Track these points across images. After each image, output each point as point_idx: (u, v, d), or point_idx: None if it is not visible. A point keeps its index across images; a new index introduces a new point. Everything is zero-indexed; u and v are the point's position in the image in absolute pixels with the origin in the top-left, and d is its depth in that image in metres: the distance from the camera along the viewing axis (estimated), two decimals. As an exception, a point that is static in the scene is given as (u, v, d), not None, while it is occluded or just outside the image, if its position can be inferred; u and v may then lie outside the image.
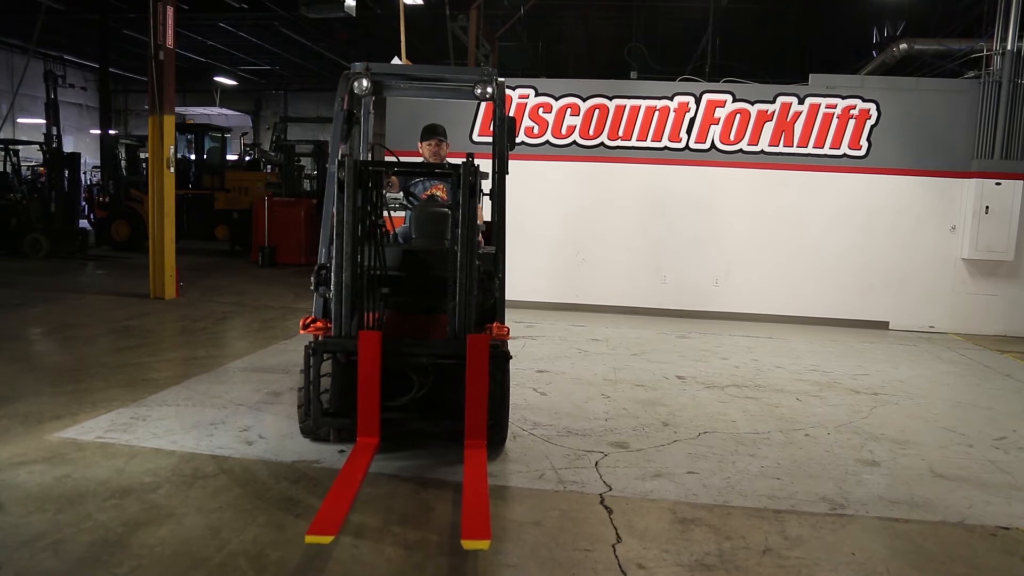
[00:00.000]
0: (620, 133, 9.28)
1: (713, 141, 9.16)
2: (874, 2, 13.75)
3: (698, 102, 9.14)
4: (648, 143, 9.25)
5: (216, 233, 15.87)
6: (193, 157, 16.41)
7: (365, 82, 4.43)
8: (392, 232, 4.78)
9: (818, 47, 17.49)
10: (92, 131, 25.61)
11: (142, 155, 15.52)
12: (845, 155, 9.01)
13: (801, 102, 9.00)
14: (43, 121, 14.66)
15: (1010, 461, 4.52)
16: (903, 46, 11.35)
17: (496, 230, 4.31)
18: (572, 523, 3.41)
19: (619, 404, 5.39)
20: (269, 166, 18.14)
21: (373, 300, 4.04)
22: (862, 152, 8.99)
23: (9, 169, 13.92)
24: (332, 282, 3.96)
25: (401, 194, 4.91)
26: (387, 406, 3.88)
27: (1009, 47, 8.70)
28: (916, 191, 8.98)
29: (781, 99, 9.02)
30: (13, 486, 3.56)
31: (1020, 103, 8.71)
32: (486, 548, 2.90)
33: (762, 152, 9.11)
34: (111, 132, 19.25)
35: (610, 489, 3.81)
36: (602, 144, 9.32)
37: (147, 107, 9.32)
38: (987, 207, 8.71)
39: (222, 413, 4.81)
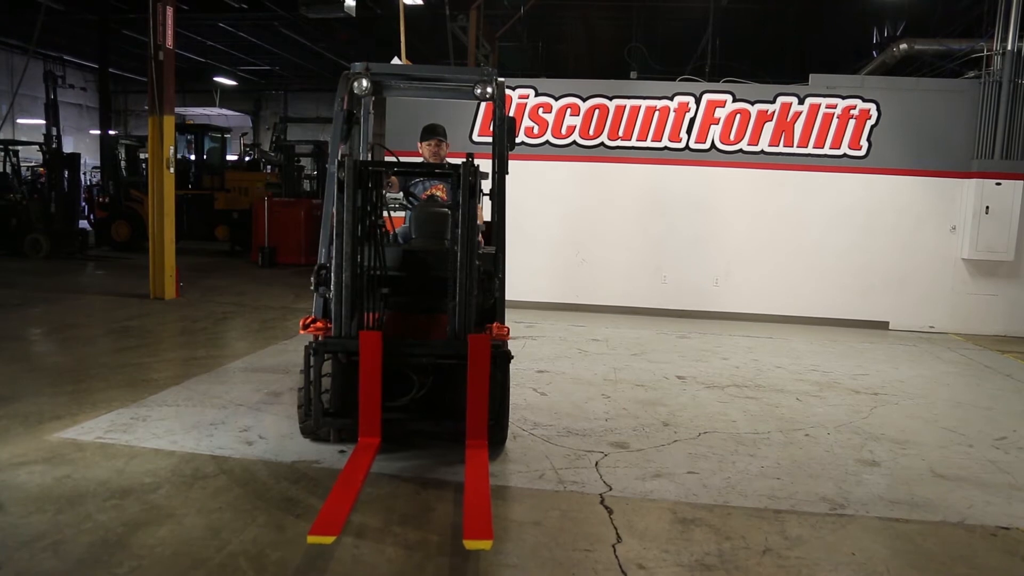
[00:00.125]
0: (620, 133, 9.28)
1: (713, 141, 9.16)
2: (874, 2, 13.74)
3: (698, 102, 9.14)
4: (648, 143, 9.25)
5: (216, 233, 15.87)
6: (193, 157, 16.40)
7: (365, 82, 4.43)
8: (392, 232, 4.77)
9: (818, 47, 17.49)
10: (92, 131, 25.61)
11: (142, 155, 15.50)
12: (845, 155, 9.01)
13: (801, 102, 8.99)
14: (43, 122, 14.65)
15: (1010, 461, 4.52)
16: (903, 46, 11.36)
17: (496, 230, 4.31)
18: (572, 523, 3.41)
19: (619, 404, 5.39)
20: (269, 166, 18.14)
21: (373, 300, 4.04)
22: (862, 152, 8.99)
23: (9, 170, 13.92)
24: (332, 282, 3.95)
25: (401, 194, 4.91)
26: (388, 406, 3.88)
27: (1009, 47, 8.70)
28: (916, 191, 8.98)
29: (781, 99, 9.02)
30: (13, 486, 3.56)
31: (1020, 103, 8.71)
32: (488, 548, 2.90)
33: (762, 152, 9.10)
34: (111, 132, 19.26)
35: (610, 489, 3.81)
36: (602, 144, 9.32)
37: (147, 107, 9.32)
38: (987, 207, 8.71)
39: (222, 413, 4.80)
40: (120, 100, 28.06)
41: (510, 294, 4.57)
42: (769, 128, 9.06)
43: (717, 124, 9.13)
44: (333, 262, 3.96)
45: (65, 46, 21.79)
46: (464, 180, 3.92)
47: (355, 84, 4.43)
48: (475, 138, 9.26)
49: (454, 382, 3.90)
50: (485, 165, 4.44)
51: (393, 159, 4.74)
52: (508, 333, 4.10)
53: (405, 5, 10.04)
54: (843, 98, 8.94)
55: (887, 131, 8.92)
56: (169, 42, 9.07)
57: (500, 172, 4.37)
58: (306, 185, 18.27)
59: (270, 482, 3.74)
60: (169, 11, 9.00)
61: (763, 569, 3.05)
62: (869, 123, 8.94)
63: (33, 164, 19.00)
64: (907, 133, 8.92)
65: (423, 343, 4.11)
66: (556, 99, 9.31)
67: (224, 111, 27.21)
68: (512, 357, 4.19)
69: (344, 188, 3.84)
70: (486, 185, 4.48)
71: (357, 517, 3.34)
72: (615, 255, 9.48)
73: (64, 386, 5.29)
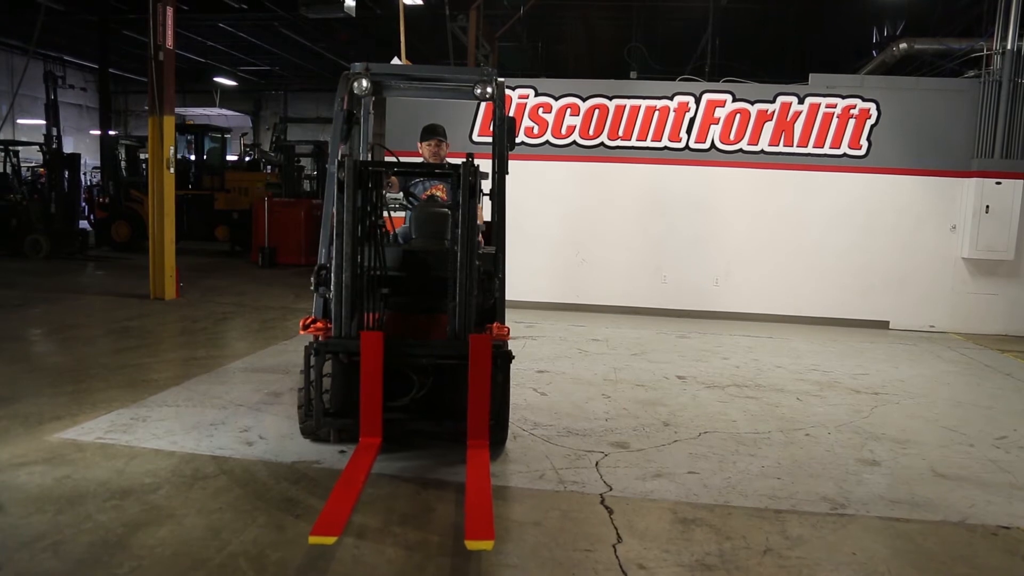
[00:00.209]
0: (620, 133, 9.28)
1: (713, 141, 9.15)
2: (874, 2, 13.74)
3: (698, 102, 9.13)
4: (648, 143, 9.25)
5: (216, 234, 15.86)
6: (193, 158, 16.41)
7: (365, 82, 4.43)
8: (392, 232, 4.77)
9: (818, 47, 17.48)
10: (92, 132, 25.60)
11: (142, 156, 15.51)
12: (845, 155, 9.01)
13: (801, 102, 8.99)
14: (43, 122, 14.65)
15: (1011, 460, 4.51)
16: (903, 46, 11.35)
17: (496, 230, 4.31)
18: (572, 523, 3.41)
19: (619, 404, 5.39)
20: (269, 166, 18.14)
21: (373, 300, 4.04)
22: (862, 152, 8.98)
23: (9, 170, 13.92)
24: (332, 282, 3.95)
25: (401, 194, 4.91)
26: (388, 406, 3.88)
27: (1009, 46, 8.70)
28: (916, 191, 8.98)
29: (781, 99, 9.02)
30: (13, 487, 3.55)
31: (1020, 102, 8.71)
32: (490, 548, 2.90)
33: (762, 152, 9.10)
34: (111, 133, 19.25)
35: (610, 489, 3.81)
36: (602, 144, 9.32)
37: (147, 108, 9.32)
38: (987, 206, 8.71)
39: (222, 414, 4.80)
40: (120, 100, 28.05)
41: (510, 294, 4.57)
42: (769, 128, 9.06)
43: (717, 124, 9.13)
44: (333, 262, 3.96)
45: (65, 46, 21.79)
46: (464, 180, 3.92)
47: (355, 84, 4.43)
48: (475, 138, 9.26)
49: (454, 382, 3.90)
50: (485, 165, 4.44)
51: (393, 159, 4.74)
52: (508, 333, 4.10)
53: (405, 5, 10.04)
54: (843, 98, 8.94)
55: (887, 130, 8.92)
56: (169, 42, 9.07)
57: (500, 172, 4.37)
58: (306, 185, 18.26)
59: (270, 482, 3.74)
60: (169, 11, 9.00)
61: (764, 569, 3.05)
62: (869, 123, 8.93)
63: (33, 164, 19.00)
64: (907, 132, 8.91)
65: (424, 343, 4.11)
66: (556, 99, 9.31)
67: (224, 111, 27.20)
68: (513, 357, 4.19)
69: (344, 188, 3.84)
70: (486, 185, 4.48)
71: (357, 517, 3.34)
72: (615, 255, 9.48)
73: (64, 386, 5.28)
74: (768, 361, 7.06)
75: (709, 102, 9.12)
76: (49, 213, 13.64)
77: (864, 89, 8.99)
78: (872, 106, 8.90)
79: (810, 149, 9.04)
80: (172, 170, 9.24)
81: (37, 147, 14.35)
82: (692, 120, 9.15)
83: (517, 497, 3.69)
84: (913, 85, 9.17)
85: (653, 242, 9.41)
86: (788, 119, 9.02)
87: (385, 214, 4.26)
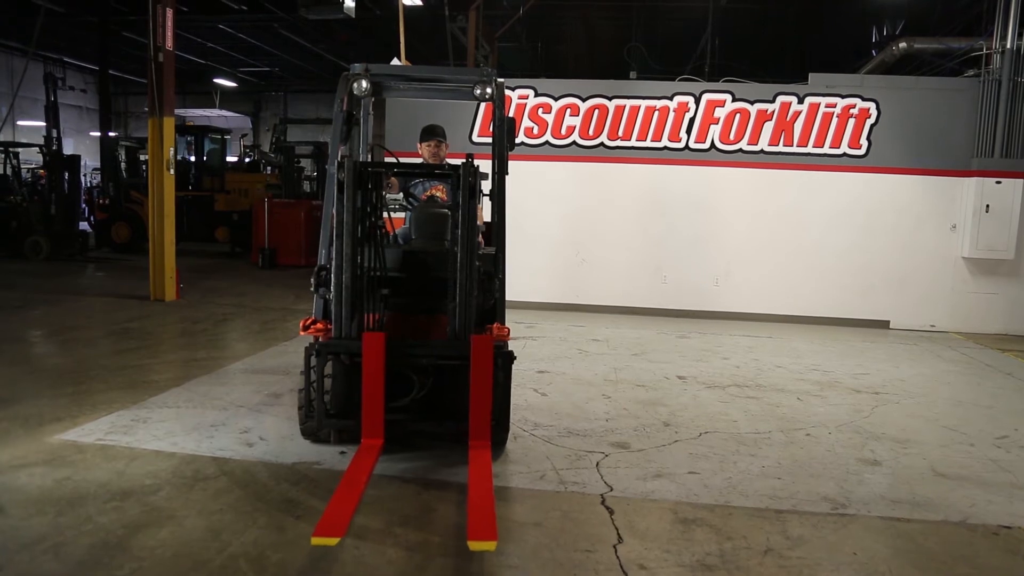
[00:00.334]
0: (620, 133, 9.28)
1: (713, 141, 9.15)
2: (874, 1, 13.74)
3: (698, 102, 9.13)
4: (648, 143, 9.25)
5: (216, 235, 15.87)
6: (193, 159, 16.41)
7: (364, 83, 4.44)
8: (392, 233, 4.77)
9: (818, 47, 17.48)
10: (92, 133, 25.61)
11: (142, 157, 15.50)
12: (845, 154, 9.01)
13: (801, 101, 8.99)
14: (43, 123, 14.64)
15: (1012, 460, 4.51)
16: (902, 45, 11.35)
17: (496, 231, 4.31)
18: (573, 524, 3.40)
19: (620, 404, 5.39)
20: (269, 168, 18.14)
21: (373, 301, 4.04)
22: (862, 151, 8.98)
23: (9, 171, 13.92)
24: (332, 283, 3.95)
25: (401, 195, 4.91)
26: (389, 407, 3.88)
27: (1009, 45, 8.69)
28: (916, 190, 8.97)
29: (781, 99, 9.02)
30: (13, 489, 3.55)
31: (1020, 101, 8.70)
32: (492, 549, 2.90)
33: (762, 152, 9.10)
34: (111, 134, 19.27)
35: (611, 489, 3.81)
36: (602, 144, 9.32)
37: (147, 109, 9.33)
38: (987, 206, 8.70)
39: (223, 415, 4.80)
40: (120, 102, 28.07)
41: (510, 294, 4.57)
42: (769, 128, 9.05)
43: (717, 124, 9.13)
44: (333, 263, 3.96)
45: (65, 48, 21.81)
46: (464, 181, 3.92)
47: (355, 85, 4.43)
48: (475, 139, 9.26)
49: (455, 383, 3.90)
50: (485, 165, 4.44)
51: (393, 160, 4.75)
52: (509, 333, 4.10)
53: (404, 6, 10.04)
54: (843, 97, 8.93)
55: (887, 130, 8.92)
56: (169, 44, 9.07)
57: (500, 172, 4.37)
58: (306, 186, 18.27)
59: (271, 484, 3.74)
60: (169, 13, 9.00)
61: (764, 569, 3.05)
62: (869, 122, 8.93)
63: (33, 166, 19.00)
64: (907, 132, 8.91)
65: (426, 344, 4.11)
66: (556, 99, 9.30)
67: (224, 112, 27.21)
68: (515, 358, 4.19)
69: (344, 189, 3.84)
70: (486, 186, 4.48)
71: (358, 518, 3.33)
72: (615, 255, 9.47)
73: (64, 388, 5.28)
74: (768, 361, 7.06)
75: (709, 102, 9.12)
76: (49, 215, 13.64)
77: (864, 89, 8.99)
78: (872, 106, 8.90)
79: (810, 149, 9.04)
80: (172, 171, 9.24)
81: (37, 149, 14.36)
82: (692, 120, 9.15)
83: (518, 498, 3.69)
84: (913, 84, 9.16)
85: (653, 242, 9.41)
86: (788, 119, 9.02)
87: (385, 215, 4.26)
